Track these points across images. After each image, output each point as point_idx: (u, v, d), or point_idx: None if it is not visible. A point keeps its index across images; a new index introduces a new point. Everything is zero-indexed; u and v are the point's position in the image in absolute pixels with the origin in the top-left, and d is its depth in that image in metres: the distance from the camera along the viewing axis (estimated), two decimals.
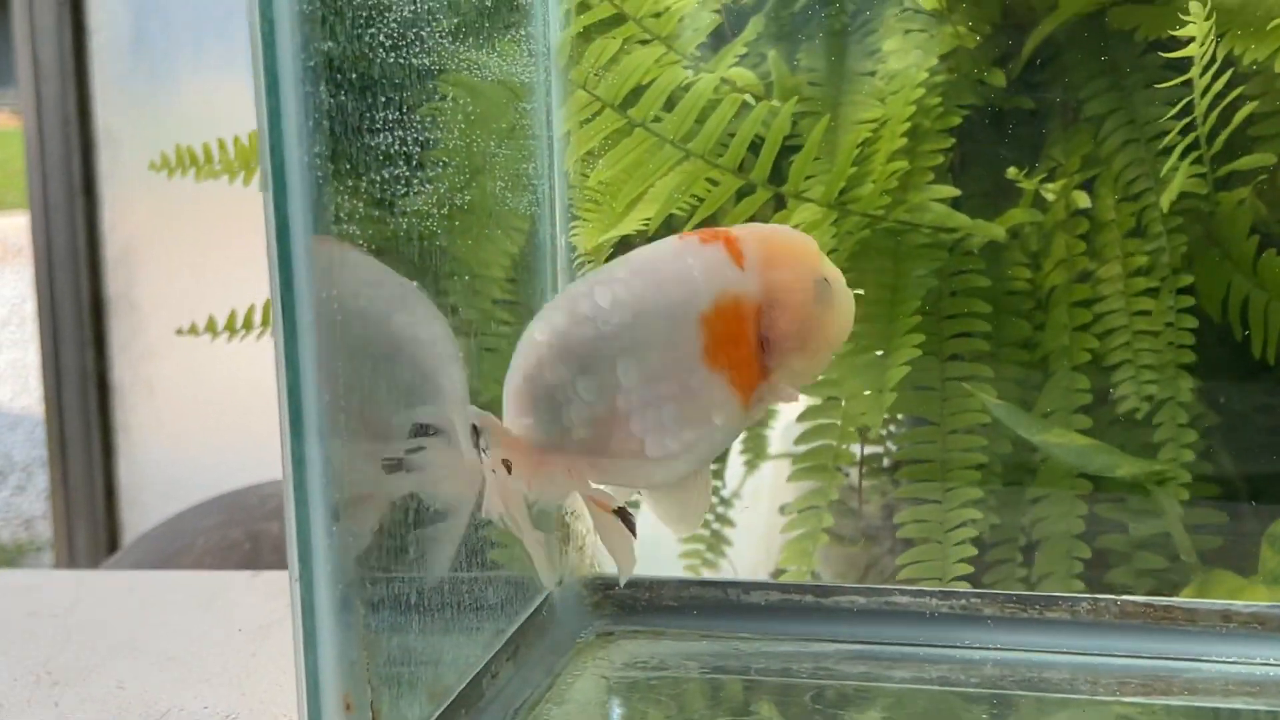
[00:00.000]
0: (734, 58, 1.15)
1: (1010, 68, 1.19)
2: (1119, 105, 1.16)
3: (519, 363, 0.82)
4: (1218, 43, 1.00)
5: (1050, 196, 1.18)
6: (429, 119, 0.76)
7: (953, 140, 1.15)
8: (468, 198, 0.81)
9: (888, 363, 1.12)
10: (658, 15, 1.07)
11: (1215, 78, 1.02)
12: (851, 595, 0.98)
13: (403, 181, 0.73)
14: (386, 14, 0.71)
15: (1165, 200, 1.08)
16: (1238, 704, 0.89)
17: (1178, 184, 1.08)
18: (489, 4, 0.83)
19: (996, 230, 1.12)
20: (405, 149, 0.72)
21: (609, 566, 1.03)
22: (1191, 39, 1.01)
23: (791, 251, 0.85)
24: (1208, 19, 1.00)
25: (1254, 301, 1.10)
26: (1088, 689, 0.92)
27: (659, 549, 1.24)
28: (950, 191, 1.15)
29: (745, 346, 0.82)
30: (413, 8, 0.73)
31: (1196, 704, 0.89)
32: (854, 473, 1.24)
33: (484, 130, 0.86)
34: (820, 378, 0.96)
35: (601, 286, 0.82)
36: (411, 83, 0.73)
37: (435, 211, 0.78)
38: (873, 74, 1.18)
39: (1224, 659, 0.92)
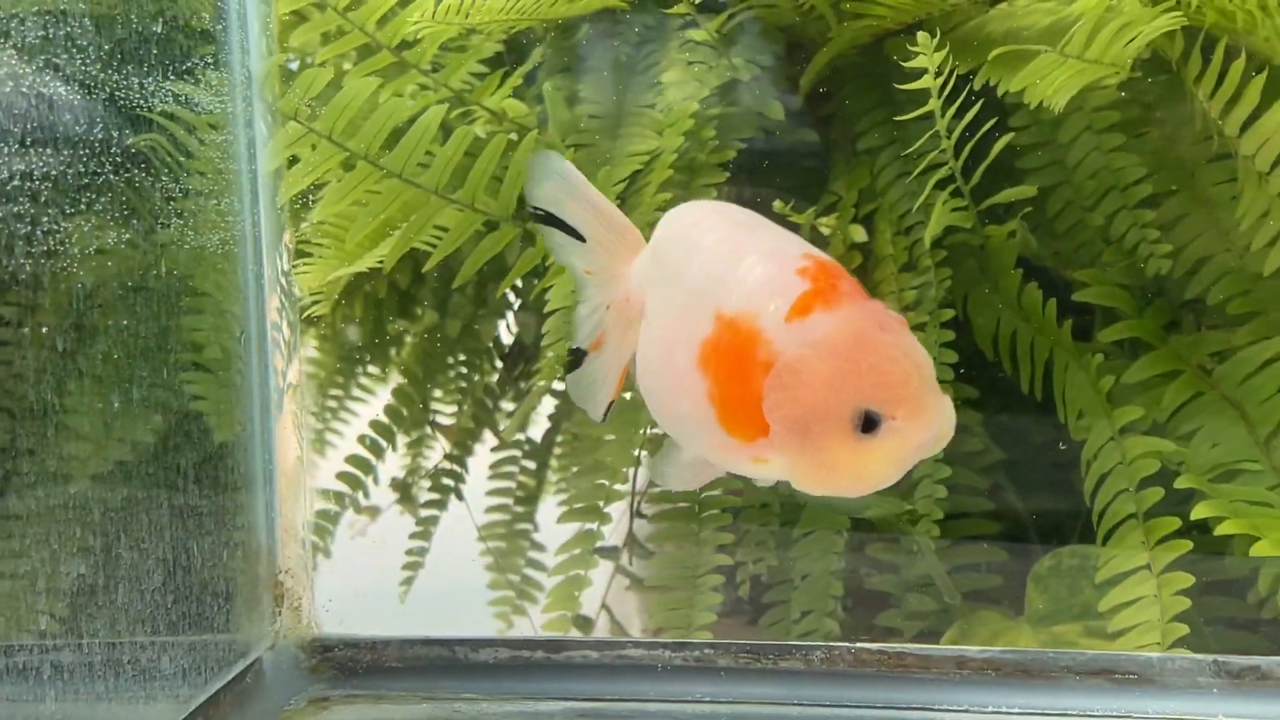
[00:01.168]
0: (508, 89, 1.15)
1: (791, 100, 1.18)
2: (895, 138, 1.14)
3: (677, 213, 0.82)
4: (955, 74, 0.98)
5: (826, 231, 1.16)
6: (69, 151, 0.75)
7: (726, 174, 1.15)
8: (125, 235, 0.80)
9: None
10: (407, 45, 1.07)
11: (964, 109, 1.00)
12: (584, 650, 0.95)
13: (27, 220, 0.72)
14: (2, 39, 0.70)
15: (928, 235, 1.06)
16: None
17: (938, 217, 1.05)
18: (158, 30, 0.82)
19: None
20: (31, 184, 0.71)
21: (328, 627, 1.01)
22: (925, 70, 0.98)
23: (877, 350, 0.70)
24: (938, 50, 0.97)
25: (1021, 336, 1.08)
26: None
27: (444, 603, 1.22)
28: None
29: (739, 384, 0.73)
30: (41, 33, 0.73)
31: None
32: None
33: (149, 164, 0.84)
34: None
35: (738, 218, 0.79)
36: (42, 113, 0.72)
37: (76, 250, 0.76)
38: (652, 106, 1.17)
39: (957, 707, 0.88)
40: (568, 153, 1.10)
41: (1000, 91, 1.02)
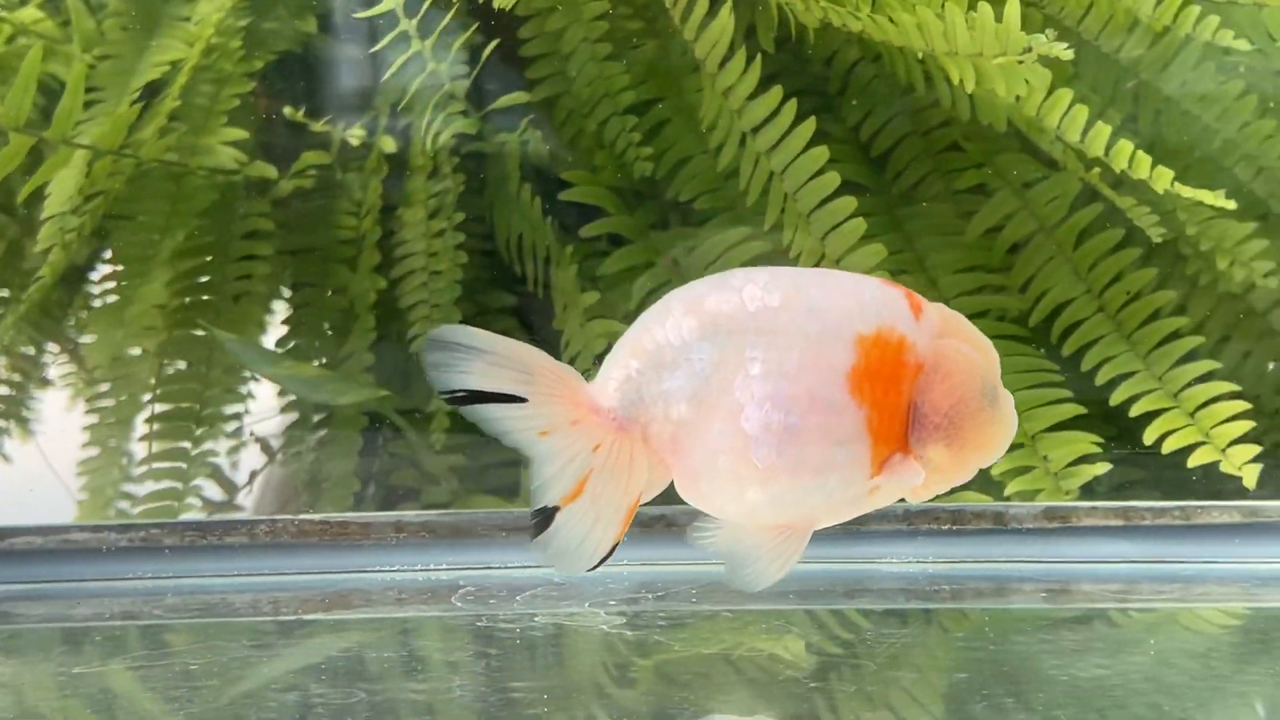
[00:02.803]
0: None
1: (320, 13, 1.21)
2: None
3: (643, 317, 0.74)
4: None
5: (355, 142, 1.19)
6: None
7: (252, 85, 1.17)
8: None
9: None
10: None
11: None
12: (28, 536, 0.95)
13: None
14: None
15: (430, 140, 1.10)
16: (420, 611, 0.89)
17: (450, 126, 1.11)
18: None
19: (269, 170, 1.13)
20: None
21: None
22: None
23: (973, 338, 0.75)
24: None
25: (526, 238, 1.13)
26: (270, 609, 0.91)
27: None
28: (238, 134, 1.15)
29: (895, 395, 0.73)
30: None
31: (372, 616, 0.88)
32: None
33: None
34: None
35: (767, 272, 0.74)
36: None
37: None
38: (187, 19, 1.19)
39: (390, 568, 0.91)
40: (82, 65, 1.11)
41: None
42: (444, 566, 0.89)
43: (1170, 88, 1.04)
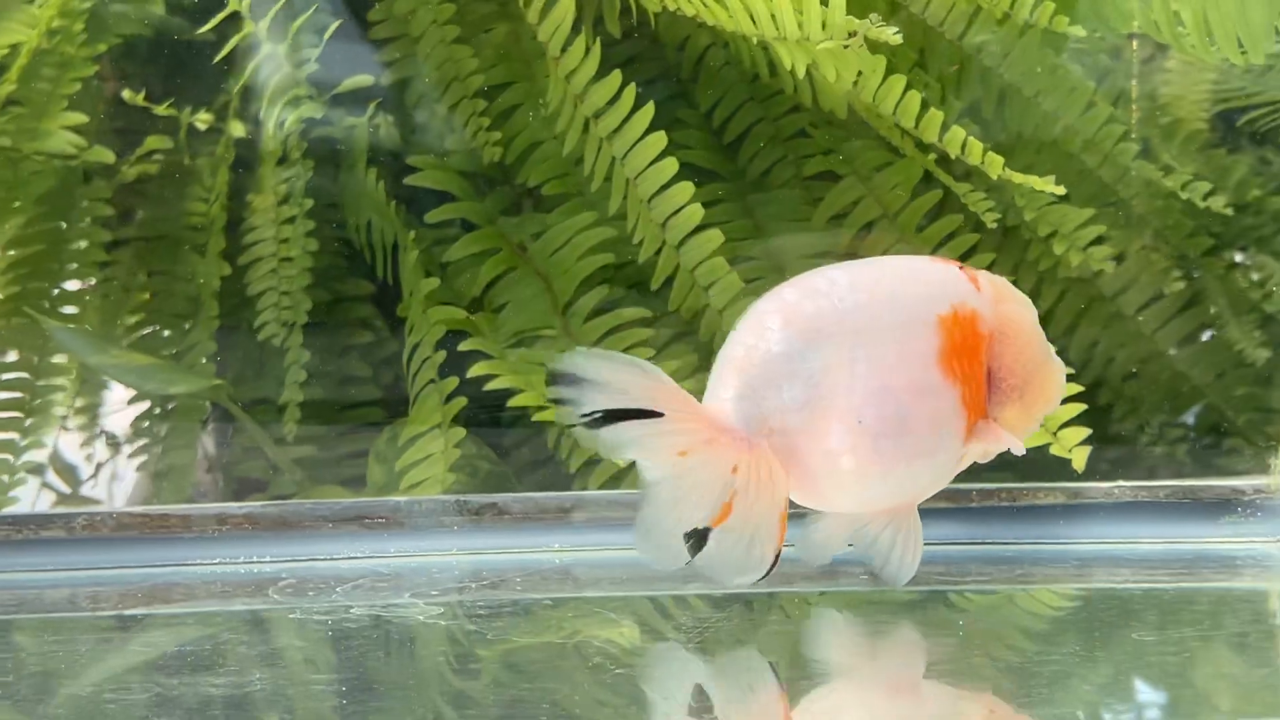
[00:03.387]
0: None
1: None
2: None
3: (737, 333, 0.75)
4: None
5: (203, 126, 1.17)
6: None
7: (95, 67, 1.14)
8: None
9: None
10: None
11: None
12: None
13: None
14: None
15: (273, 125, 1.09)
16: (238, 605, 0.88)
17: (297, 110, 1.09)
18: None
19: (107, 155, 1.10)
20: None
21: None
22: None
23: (1019, 297, 0.81)
24: None
25: (374, 224, 1.12)
26: (89, 605, 0.90)
27: None
28: (78, 119, 1.13)
29: (976, 367, 0.77)
30: None
31: (190, 610, 0.86)
32: None
33: None
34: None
35: (839, 270, 0.77)
36: None
37: None
38: (30, 1, 1.16)
39: (212, 560, 0.89)
40: None
41: None
42: (267, 559, 0.88)
43: (1011, 74, 1.06)
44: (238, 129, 1.16)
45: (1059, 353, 0.82)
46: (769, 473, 0.73)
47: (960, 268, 0.79)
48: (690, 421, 0.72)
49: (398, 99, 1.13)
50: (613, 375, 0.70)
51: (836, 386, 0.74)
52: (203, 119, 1.16)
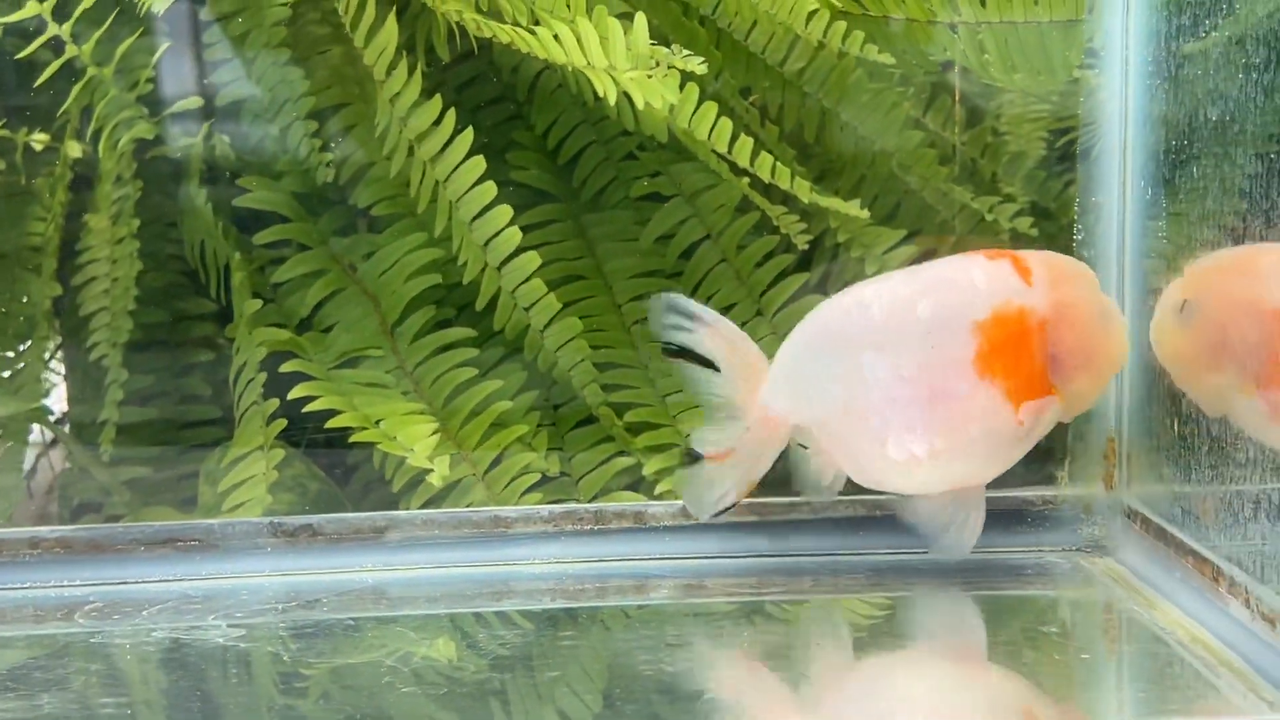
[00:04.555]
0: None
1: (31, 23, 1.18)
2: None
3: (799, 330, 0.88)
4: None
5: (38, 147, 1.17)
6: None
7: None
8: None
9: None
10: None
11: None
12: None
13: None
14: None
15: (105, 144, 1.09)
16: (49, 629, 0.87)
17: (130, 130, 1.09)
18: None
19: None
20: None
21: None
22: None
23: (1076, 274, 0.86)
24: None
25: (206, 244, 1.12)
26: None
27: None
28: None
29: (1027, 359, 0.83)
30: None
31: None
32: None
33: None
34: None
35: (874, 285, 0.87)
36: None
37: None
38: None
39: (22, 585, 0.89)
40: None
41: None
42: (78, 583, 0.88)
43: (830, 100, 1.09)
44: (74, 149, 1.16)
45: None
46: (763, 443, 0.87)
47: (1014, 259, 0.85)
48: (739, 384, 0.87)
49: (232, 119, 1.13)
50: (710, 321, 0.88)
51: (872, 392, 0.84)
52: (39, 139, 1.16)
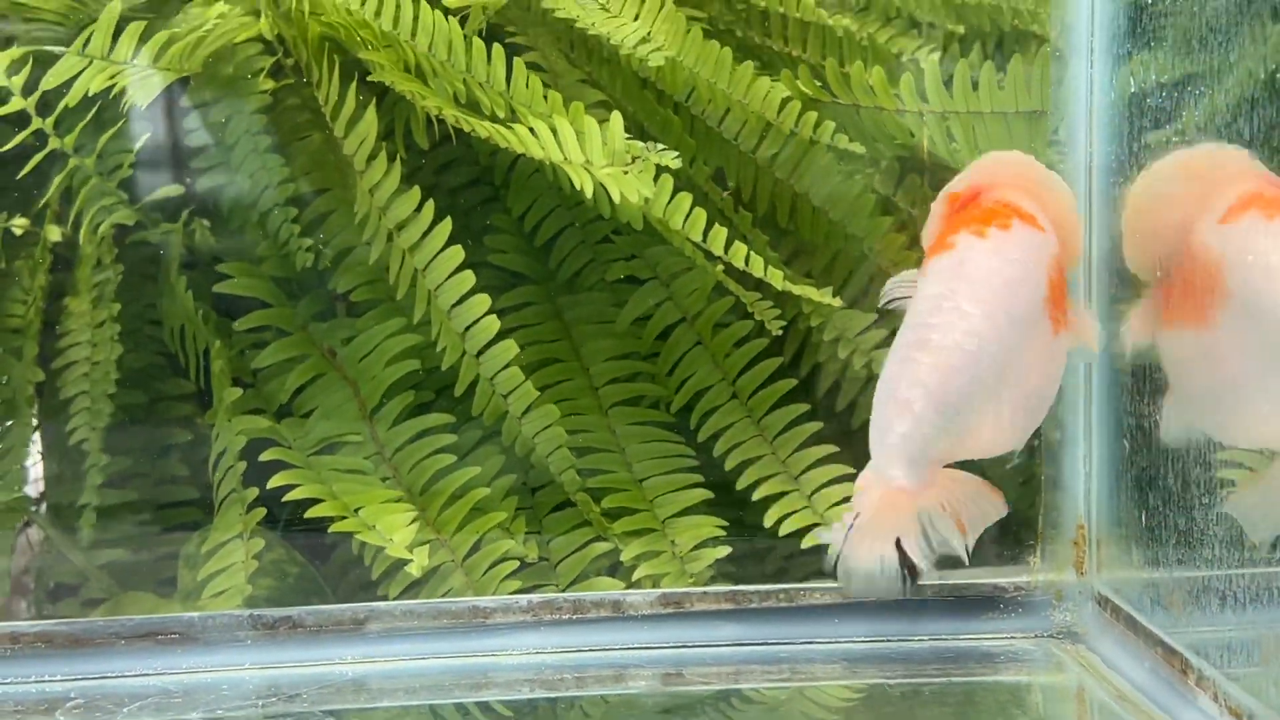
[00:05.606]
0: None
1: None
2: None
3: (889, 419, 0.81)
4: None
5: (19, 232, 1.18)
6: None
7: None
8: None
9: None
10: None
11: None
12: None
13: None
14: None
15: (85, 231, 1.10)
16: None
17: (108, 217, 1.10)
18: None
19: None
20: None
21: None
22: None
23: (1045, 181, 0.86)
24: None
25: (187, 329, 1.13)
26: None
27: None
28: None
29: (1061, 289, 0.84)
30: None
31: None
32: None
33: None
34: None
35: (959, 329, 0.79)
36: None
37: None
38: None
39: (8, 680, 0.88)
40: None
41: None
42: (59, 678, 0.88)
43: (801, 186, 1.11)
44: (53, 233, 1.17)
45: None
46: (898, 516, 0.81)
47: (1018, 212, 0.84)
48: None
49: (212, 205, 1.15)
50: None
51: (984, 420, 0.81)
52: (19, 224, 1.17)
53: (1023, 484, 1.00)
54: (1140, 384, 0.88)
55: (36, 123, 1.00)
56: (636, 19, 1.08)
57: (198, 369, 1.13)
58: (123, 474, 1.13)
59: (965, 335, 0.79)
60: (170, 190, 1.10)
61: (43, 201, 1.12)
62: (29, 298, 1.20)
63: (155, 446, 1.19)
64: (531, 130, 0.95)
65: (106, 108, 1.08)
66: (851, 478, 0.99)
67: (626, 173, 0.91)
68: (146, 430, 1.18)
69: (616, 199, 0.96)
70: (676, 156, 0.94)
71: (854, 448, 1.15)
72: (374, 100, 1.06)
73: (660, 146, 0.94)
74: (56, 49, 1.02)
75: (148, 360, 1.20)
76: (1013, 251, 0.83)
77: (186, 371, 1.17)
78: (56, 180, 1.05)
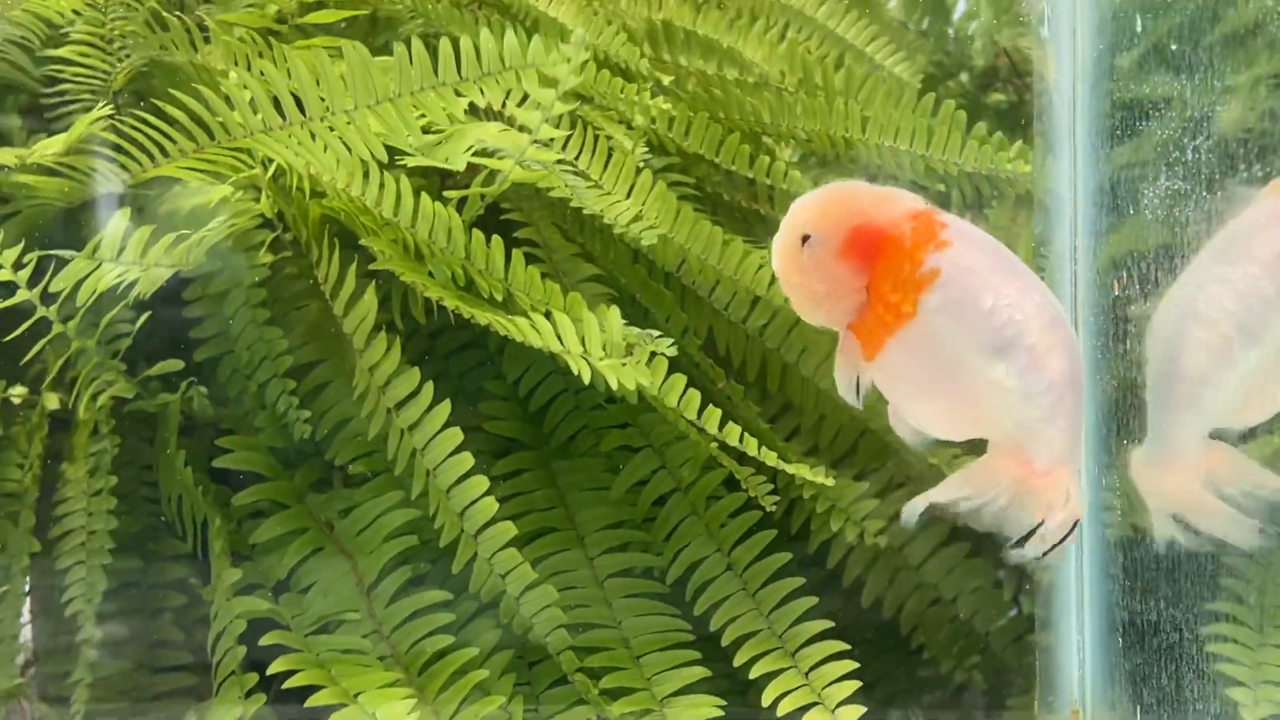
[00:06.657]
0: None
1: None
2: None
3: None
4: None
5: (18, 400, 1.19)
6: None
7: None
8: None
9: None
10: None
11: None
12: None
13: None
14: None
15: (86, 399, 1.10)
16: None
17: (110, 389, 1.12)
18: None
19: None
20: None
21: None
22: None
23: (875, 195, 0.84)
24: None
25: (185, 500, 1.13)
26: None
27: None
28: None
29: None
30: None
31: None
32: None
33: None
34: None
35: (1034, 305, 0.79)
36: None
37: None
38: None
39: None
40: None
41: None
42: None
43: (791, 355, 1.14)
44: (51, 401, 1.18)
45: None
46: None
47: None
48: None
49: (210, 376, 1.16)
50: None
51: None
52: (17, 393, 1.18)
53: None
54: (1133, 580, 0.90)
55: (41, 311, 1.01)
56: (628, 197, 1.12)
57: (195, 537, 1.14)
58: (115, 639, 1.14)
59: None
60: (169, 365, 1.11)
61: (49, 380, 1.14)
62: (25, 461, 1.22)
63: (147, 609, 1.19)
64: (531, 322, 0.98)
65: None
66: (847, 655, 1.01)
67: (625, 364, 0.93)
68: (139, 591, 1.18)
69: (615, 387, 0.98)
70: (672, 344, 0.96)
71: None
72: (372, 282, 1.08)
73: (656, 334, 0.97)
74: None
75: (143, 523, 1.20)
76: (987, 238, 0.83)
77: (180, 532, 1.18)
78: (58, 364, 1.06)
